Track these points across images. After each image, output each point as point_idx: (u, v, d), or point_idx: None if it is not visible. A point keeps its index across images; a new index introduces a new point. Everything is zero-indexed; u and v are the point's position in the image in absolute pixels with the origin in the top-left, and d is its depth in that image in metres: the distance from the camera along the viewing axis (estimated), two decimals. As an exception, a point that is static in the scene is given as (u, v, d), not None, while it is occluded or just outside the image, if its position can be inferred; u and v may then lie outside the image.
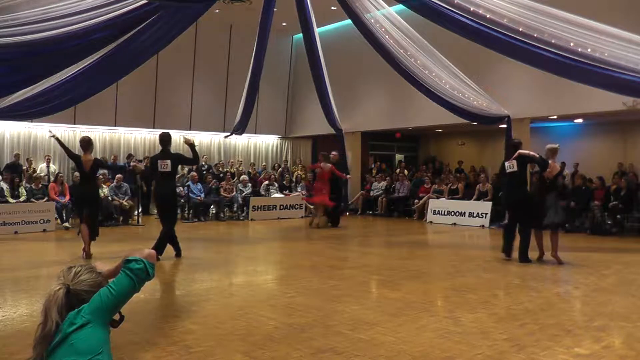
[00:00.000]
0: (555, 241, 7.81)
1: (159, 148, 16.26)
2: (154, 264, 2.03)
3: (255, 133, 18.21)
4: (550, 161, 7.88)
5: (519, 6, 8.14)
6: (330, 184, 12.81)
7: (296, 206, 15.19)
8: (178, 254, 8.21)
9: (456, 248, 9.77)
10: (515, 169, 7.94)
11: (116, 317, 2.12)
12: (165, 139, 8.28)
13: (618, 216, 11.69)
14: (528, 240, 7.86)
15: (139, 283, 1.98)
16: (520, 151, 7.97)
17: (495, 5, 8.22)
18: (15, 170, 13.09)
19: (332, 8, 13.21)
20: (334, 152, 13.69)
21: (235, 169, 16.70)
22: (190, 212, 14.10)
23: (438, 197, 14.43)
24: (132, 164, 8.56)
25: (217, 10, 13.84)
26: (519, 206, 7.97)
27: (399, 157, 20.76)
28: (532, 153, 8.10)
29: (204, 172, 15.47)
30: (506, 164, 8.08)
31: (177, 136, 17.07)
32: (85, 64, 9.42)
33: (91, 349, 1.82)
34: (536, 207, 7.89)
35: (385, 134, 19.17)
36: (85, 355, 1.80)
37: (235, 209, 14.78)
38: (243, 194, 14.86)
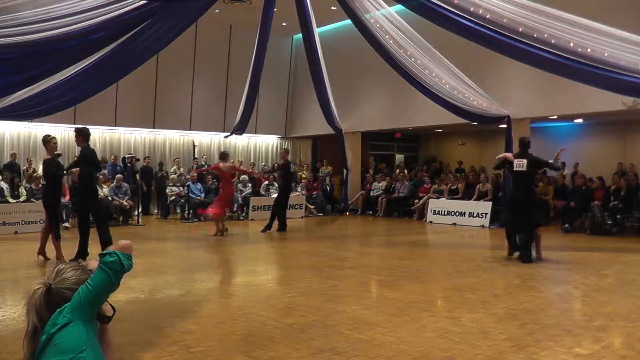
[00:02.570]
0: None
1: (159, 148, 16.64)
2: (129, 255, 1.96)
3: (255, 133, 18.20)
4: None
5: (518, 6, 8.14)
6: (284, 182, 12.10)
7: (296, 206, 15.19)
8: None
9: (456, 248, 9.77)
10: (525, 169, 7.90)
11: (109, 312, 2.11)
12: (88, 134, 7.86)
13: (618, 216, 11.69)
14: (531, 240, 7.88)
15: (115, 276, 1.90)
16: (537, 158, 7.97)
17: (495, 6, 8.21)
18: (13, 170, 13.08)
19: (332, 8, 13.20)
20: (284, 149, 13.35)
21: (235, 169, 16.70)
22: (190, 212, 14.10)
23: (438, 197, 14.43)
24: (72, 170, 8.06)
25: (217, 10, 13.83)
26: (524, 207, 7.96)
27: (399, 157, 20.78)
28: (544, 160, 8.12)
29: (204, 172, 15.46)
30: (516, 162, 8.01)
31: (178, 136, 17.17)
32: (85, 64, 9.41)
33: (74, 347, 1.81)
34: (539, 207, 7.98)
35: (385, 134, 19.19)
36: (68, 354, 1.79)
37: (235, 209, 14.78)
38: (243, 194, 14.86)
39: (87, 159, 7.75)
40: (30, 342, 1.89)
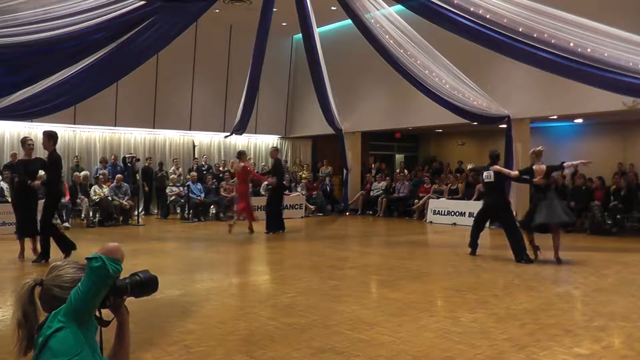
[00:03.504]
0: (556, 240, 7.97)
1: (159, 148, 16.63)
2: (116, 258, 1.85)
3: (255, 133, 18.20)
4: (535, 165, 8.19)
5: (519, 6, 8.14)
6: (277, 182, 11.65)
7: (296, 206, 15.20)
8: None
9: (456, 248, 9.75)
10: (492, 179, 8.37)
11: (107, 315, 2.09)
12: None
13: (618, 216, 11.69)
14: (521, 241, 8.03)
15: (102, 281, 1.82)
16: (497, 167, 8.41)
17: (495, 6, 8.22)
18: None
19: (332, 8, 13.20)
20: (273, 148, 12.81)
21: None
22: (190, 212, 14.10)
23: (438, 197, 14.43)
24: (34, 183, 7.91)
25: (217, 10, 13.83)
26: (497, 211, 8.55)
27: (399, 157, 20.78)
28: (506, 171, 8.70)
29: (204, 172, 15.48)
30: (484, 173, 8.51)
31: (178, 136, 17.17)
32: (85, 64, 9.41)
33: (67, 350, 1.80)
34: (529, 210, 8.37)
35: (385, 134, 19.18)
36: (62, 357, 1.78)
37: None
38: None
39: (57, 163, 7.78)
40: (17, 335, 1.89)
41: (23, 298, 1.92)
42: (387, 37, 10.98)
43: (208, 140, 17.74)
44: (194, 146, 16.87)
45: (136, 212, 13.86)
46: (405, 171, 16.83)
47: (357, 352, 3.89)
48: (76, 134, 15.16)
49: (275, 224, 11.46)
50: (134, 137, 16.34)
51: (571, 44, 7.96)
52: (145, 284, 2.03)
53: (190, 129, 17.01)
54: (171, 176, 15.24)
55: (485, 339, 4.18)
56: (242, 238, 10.84)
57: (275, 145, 13.62)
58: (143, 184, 15.02)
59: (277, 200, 11.86)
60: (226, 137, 16.20)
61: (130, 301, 2.08)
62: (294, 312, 5.00)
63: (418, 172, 16.97)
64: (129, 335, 2.14)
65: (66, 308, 1.84)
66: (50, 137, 7.70)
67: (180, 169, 15.92)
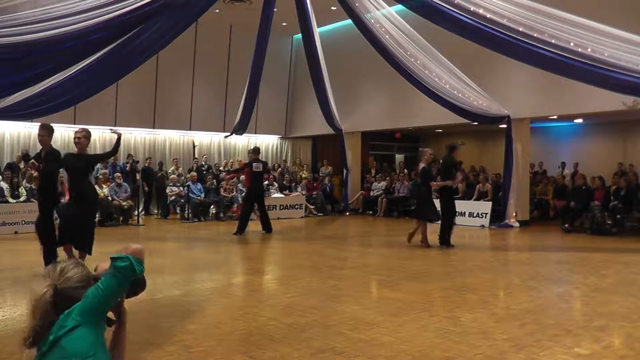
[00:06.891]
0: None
1: (159, 148, 16.63)
2: (141, 259, 1.92)
3: (255, 133, 18.19)
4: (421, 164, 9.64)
5: (519, 6, 8.15)
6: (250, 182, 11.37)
7: (296, 206, 15.20)
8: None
9: (456, 248, 9.75)
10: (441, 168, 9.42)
11: (111, 315, 2.09)
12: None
13: (618, 216, 11.68)
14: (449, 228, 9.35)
15: (126, 281, 1.87)
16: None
17: (495, 5, 8.23)
18: (13, 170, 13.06)
19: (332, 8, 13.21)
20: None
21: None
22: (190, 212, 14.10)
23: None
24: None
25: (217, 10, 13.83)
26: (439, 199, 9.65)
27: (399, 157, 20.78)
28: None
29: (204, 172, 15.48)
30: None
31: (178, 136, 17.17)
32: (85, 64, 9.41)
33: (82, 351, 1.79)
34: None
35: (385, 134, 19.18)
36: (75, 358, 1.78)
37: (235, 208, 14.75)
38: (243, 194, 14.85)
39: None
40: (28, 338, 1.87)
41: (43, 308, 1.88)
42: (387, 37, 10.98)
43: (208, 140, 17.73)
44: (194, 146, 16.86)
45: (136, 212, 13.86)
46: (405, 171, 16.82)
47: (357, 352, 3.89)
48: (76, 134, 15.12)
49: (244, 225, 11.22)
50: (134, 137, 16.33)
51: (571, 44, 7.96)
52: (137, 284, 2.05)
53: (190, 129, 17.00)
54: (171, 176, 15.24)
55: (485, 339, 4.18)
56: (241, 238, 10.84)
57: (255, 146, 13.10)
58: (143, 184, 15.02)
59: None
60: (226, 137, 16.20)
61: (131, 301, 2.08)
62: (294, 312, 5.01)
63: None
64: (125, 336, 2.14)
65: (82, 307, 1.83)
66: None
67: (180, 169, 15.92)
